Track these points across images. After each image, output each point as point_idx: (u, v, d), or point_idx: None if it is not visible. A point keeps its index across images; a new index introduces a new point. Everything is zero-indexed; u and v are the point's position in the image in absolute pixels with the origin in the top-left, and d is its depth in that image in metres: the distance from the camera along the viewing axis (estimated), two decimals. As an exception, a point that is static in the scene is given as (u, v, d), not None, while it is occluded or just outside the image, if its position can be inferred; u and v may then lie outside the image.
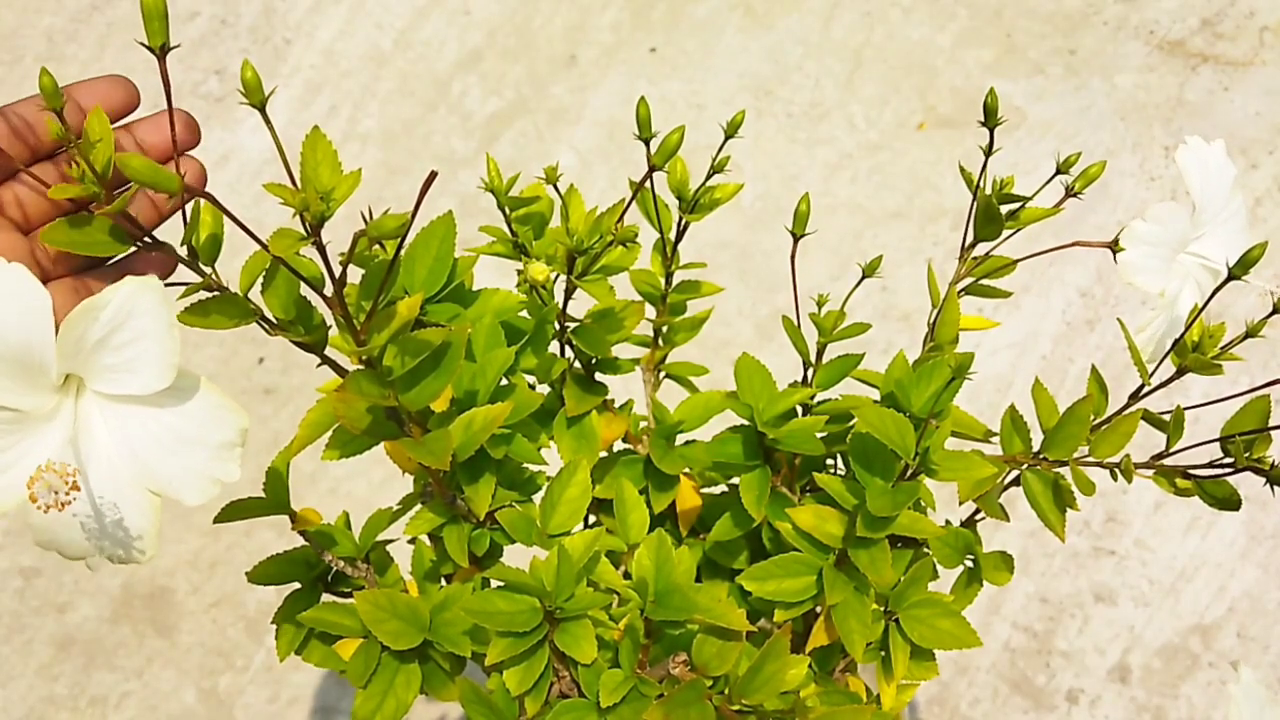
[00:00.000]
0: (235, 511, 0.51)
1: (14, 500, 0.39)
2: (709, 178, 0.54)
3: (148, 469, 0.40)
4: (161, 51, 0.39)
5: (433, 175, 0.35)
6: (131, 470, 0.40)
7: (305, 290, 0.43)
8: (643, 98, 0.52)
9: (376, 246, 0.48)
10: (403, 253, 0.46)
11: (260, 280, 0.42)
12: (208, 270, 0.42)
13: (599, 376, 0.58)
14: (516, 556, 0.54)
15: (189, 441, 0.40)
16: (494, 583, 0.51)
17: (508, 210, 0.57)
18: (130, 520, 0.40)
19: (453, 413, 0.48)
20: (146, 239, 0.41)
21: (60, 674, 1.06)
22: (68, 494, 0.38)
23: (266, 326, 0.43)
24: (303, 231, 0.35)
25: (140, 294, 0.37)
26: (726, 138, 0.53)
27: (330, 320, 0.45)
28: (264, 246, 0.37)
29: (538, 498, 0.52)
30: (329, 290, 0.39)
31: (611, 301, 0.53)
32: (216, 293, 0.42)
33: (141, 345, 0.38)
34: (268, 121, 0.38)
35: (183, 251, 0.42)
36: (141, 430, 0.40)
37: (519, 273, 0.55)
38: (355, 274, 0.43)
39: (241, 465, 0.41)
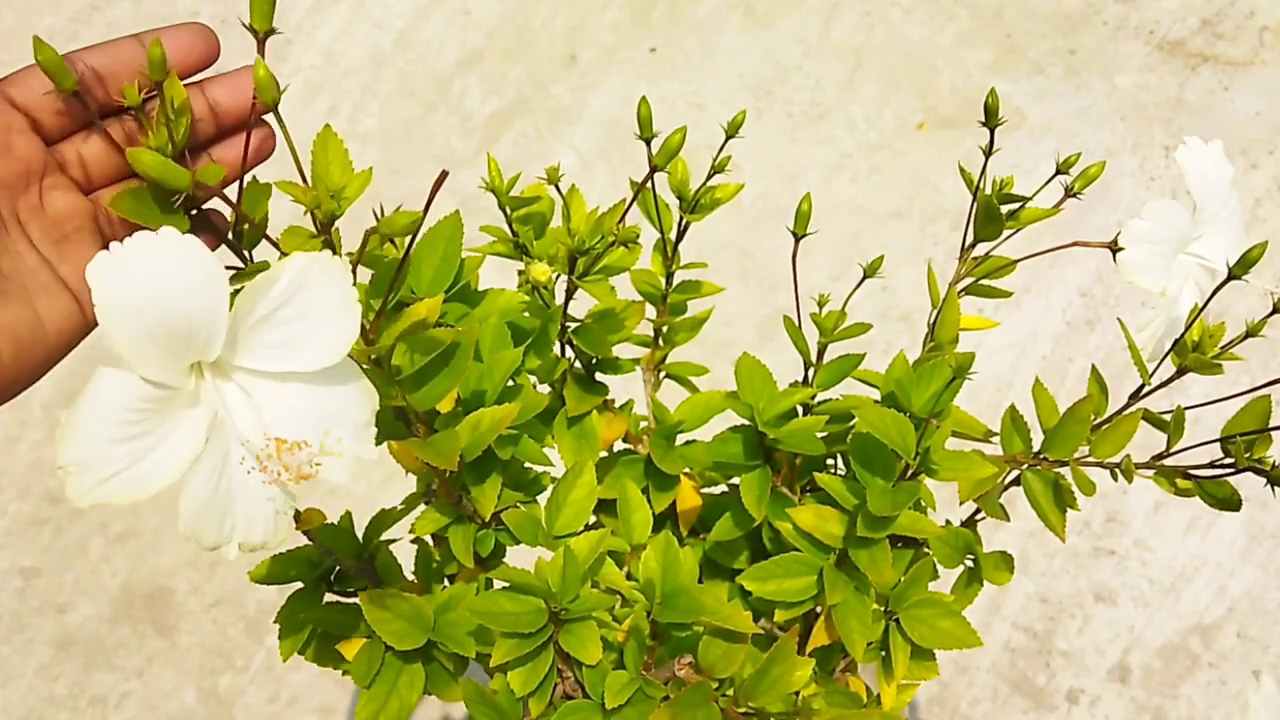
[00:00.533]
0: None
1: (160, 484, 0.37)
2: (710, 178, 0.54)
3: None
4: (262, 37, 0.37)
5: (443, 175, 0.35)
6: (271, 451, 0.38)
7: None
8: (644, 98, 0.52)
9: (387, 244, 0.48)
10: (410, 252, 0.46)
11: None
12: (248, 255, 0.42)
13: (599, 376, 0.58)
14: (517, 556, 0.54)
15: (333, 420, 0.38)
16: (497, 583, 0.51)
17: (508, 210, 0.57)
18: (268, 505, 0.39)
19: (459, 413, 0.48)
20: (206, 211, 0.40)
21: (60, 674, 1.06)
22: (312, 467, 0.37)
23: None
24: (313, 230, 0.35)
25: (314, 267, 0.35)
26: (727, 138, 0.53)
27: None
28: (274, 244, 0.37)
29: (542, 498, 0.52)
30: None
31: (613, 302, 0.53)
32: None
33: (311, 320, 0.36)
34: (279, 119, 0.37)
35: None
36: (288, 409, 0.38)
37: (520, 273, 0.55)
38: (363, 273, 0.43)
39: None
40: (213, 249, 0.42)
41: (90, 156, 0.41)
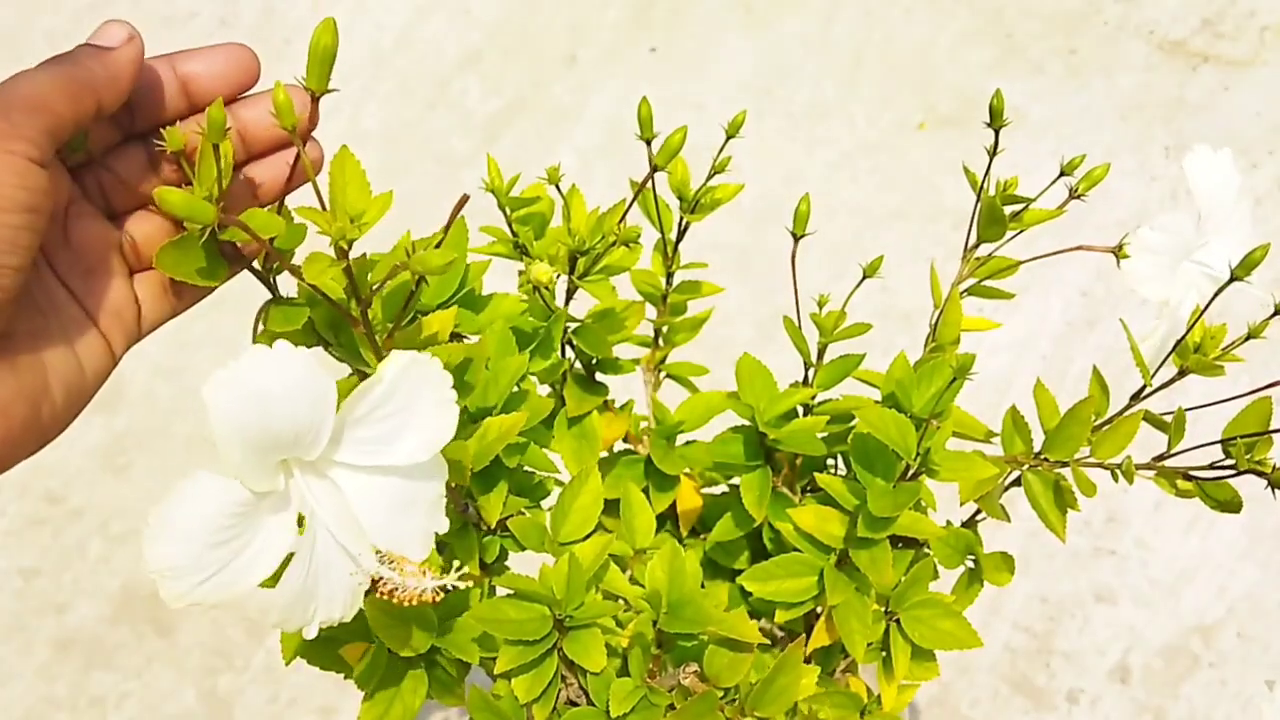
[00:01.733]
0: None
1: (253, 581, 0.37)
2: (710, 178, 0.54)
3: (377, 532, 0.38)
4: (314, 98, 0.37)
5: (464, 199, 0.35)
6: (356, 537, 0.38)
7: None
8: (644, 98, 0.52)
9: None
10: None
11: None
12: (273, 281, 0.42)
13: (599, 377, 0.58)
14: (520, 562, 0.54)
15: (412, 503, 0.39)
16: (501, 590, 0.51)
17: (508, 211, 0.56)
18: (345, 586, 0.39)
19: (465, 421, 0.47)
20: (247, 267, 0.40)
21: (60, 674, 1.06)
22: (436, 591, 0.38)
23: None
24: (332, 256, 0.35)
25: (415, 368, 0.36)
26: (728, 138, 0.53)
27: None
28: (295, 274, 0.37)
29: (546, 502, 0.52)
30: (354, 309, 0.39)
31: (613, 302, 0.53)
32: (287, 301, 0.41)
33: (407, 417, 0.37)
34: (297, 141, 0.36)
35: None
36: (376, 498, 0.38)
37: (520, 273, 0.55)
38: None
39: None
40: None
41: (110, 184, 0.40)
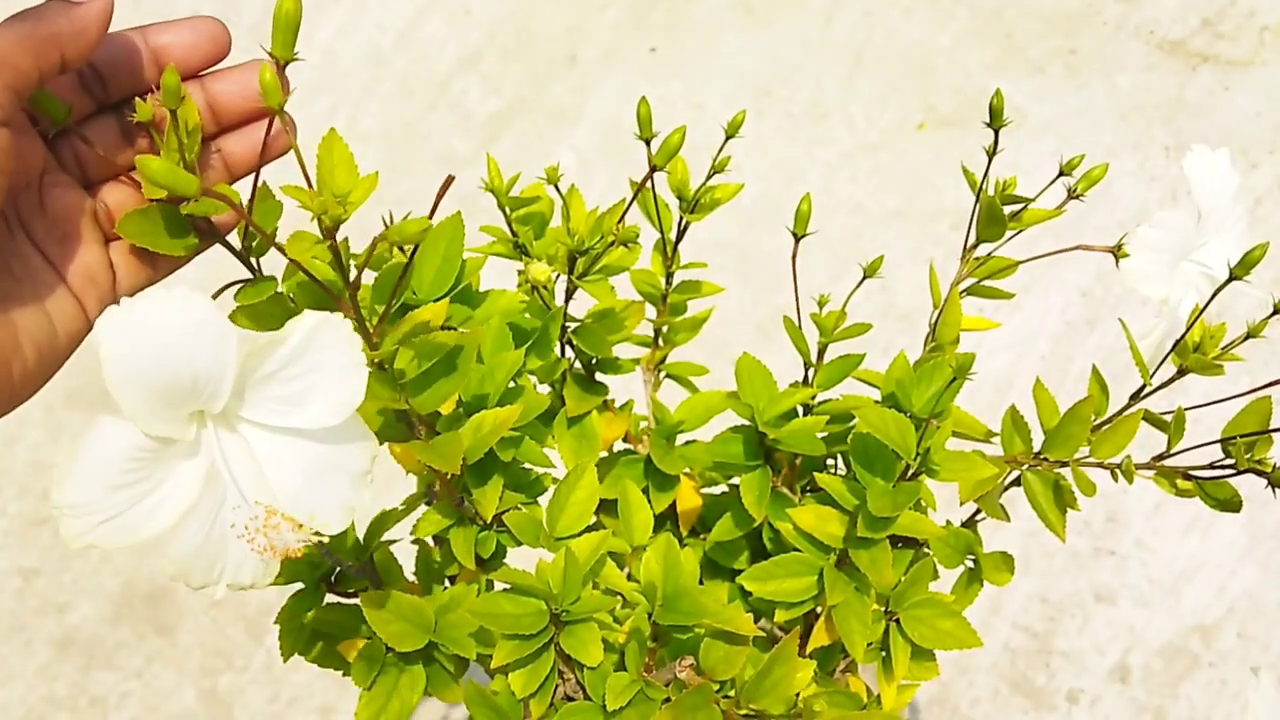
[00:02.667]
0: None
1: (154, 530, 0.37)
2: (709, 178, 0.54)
3: (292, 499, 0.38)
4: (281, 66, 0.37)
5: (449, 180, 0.34)
6: (269, 500, 0.38)
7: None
8: (643, 98, 0.52)
9: (396, 250, 0.48)
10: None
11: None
12: (256, 263, 0.41)
13: (599, 377, 0.58)
14: (517, 557, 0.54)
15: (331, 470, 0.39)
16: (498, 585, 0.51)
17: (508, 210, 0.57)
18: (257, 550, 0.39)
19: (460, 415, 0.47)
20: (214, 237, 0.40)
21: (60, 674, 1.06)
22: (298, 543, 0.37)
23: None
24: (318, 235, 0.35)
25: (325, 329, 0.36)
26: (727, 138, 0.53)
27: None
28: (281, 250, 0.37)
29: (543, 499, 0.52)
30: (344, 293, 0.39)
31: (612, 302, 0.53)
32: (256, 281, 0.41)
33: (316, 379, 0.36)
34: (284, 120, 0.36)
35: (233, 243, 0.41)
36: (288, 461, 0.38)
37: (520, 273, 0.55)
38: (367, 274, 0.43)
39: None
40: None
41: (86, 152, 0.40)
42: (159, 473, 0.37)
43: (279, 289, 0.42)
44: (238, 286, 0.41)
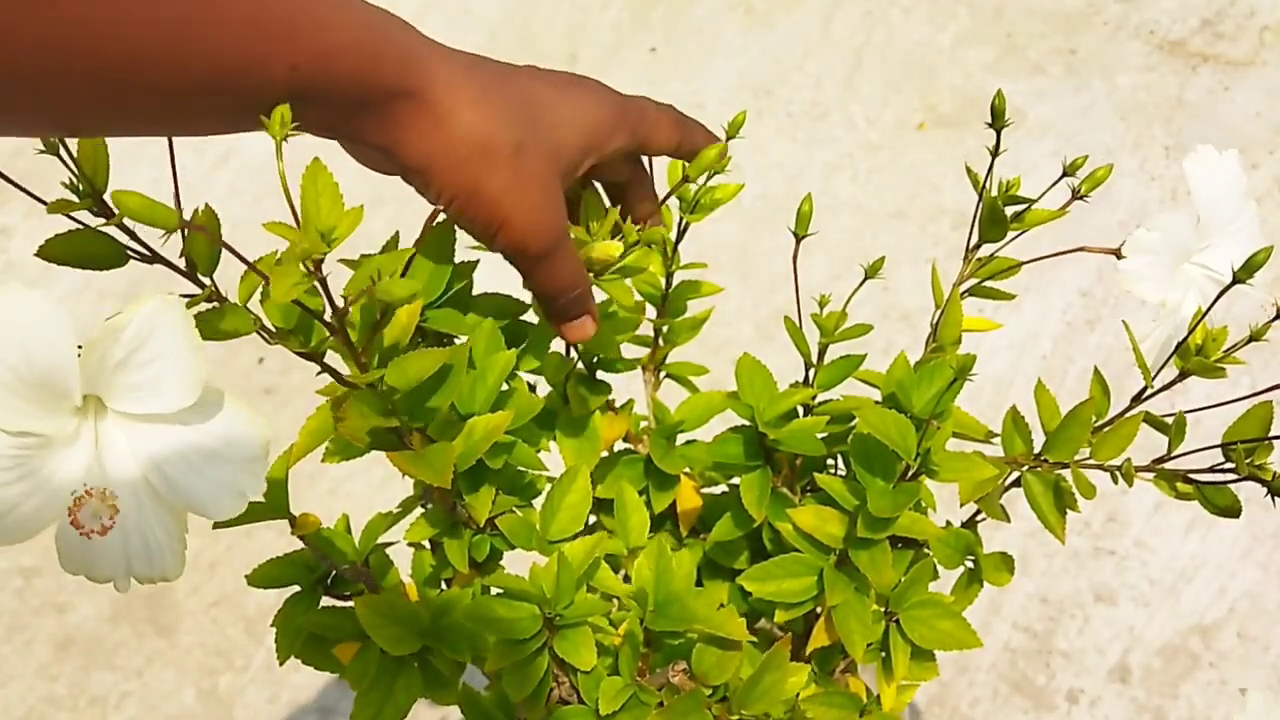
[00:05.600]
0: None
1: (41, 525, 0.38)
2: (709, 178, 0.54)
3: (174, 487, 0.39)
4: None
5: (435, 214, 0.34)
6: (157, 489, 0.39)
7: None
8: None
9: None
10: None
11: (259, 289, 0.42)
12: (206, 281, 0.41)
13: (600, 375, 0.58)
14: (517, 561, 0.54)
15: (215, 458, 0.39)
16: (493, 589, 0.51)
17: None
18: (157, 540, 0.40)
19: (453, 418, 0.47)
20: (145, 252, 0.41)
21: (60, 674, 1.06)
22: (110, 519, 0.37)
23: (266, 336, 0.43)
24: (304, 270, 0.35)
25: (161, 313, 0.36)
26: (728, 138, 0.53)
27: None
28: (264, 277, 0.37)
29: (537, 502, 0.52)
30: (330, 317, 0.39)
31: (629, 300, 0.53)
32: (216, 304, 0.41)
33: (164, 363, 0.37)
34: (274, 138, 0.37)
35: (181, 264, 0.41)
36: (166, 448, 0.39)
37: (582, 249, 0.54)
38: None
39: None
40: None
41: None
42: (46, 468, 0.37)
43: (234, 301, 0.42)
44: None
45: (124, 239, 0.42)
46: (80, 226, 0.41)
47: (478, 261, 0.53)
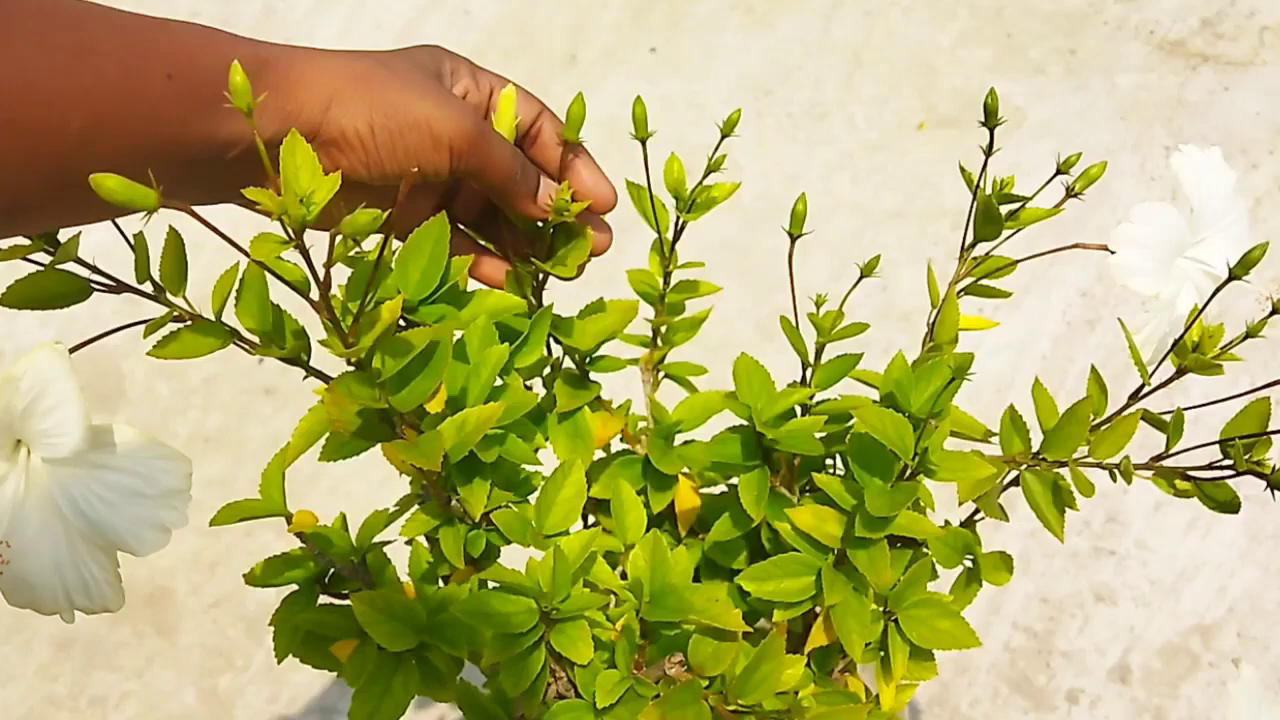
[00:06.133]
0: (231, 513, 0.51)
1: None
2: (705, 176, 0.54)
3: (94, 526, 0.40)
4: None
5: (412, 175, 0.35)
6: (81, 528, 0.40)
7: (280, 300, 0.43)
8: (639, 97, 0.52)
9: (367, 247, 0.48)
10: (396, 253, 0.45)
11: (233, 297, 0.42)
12: (179, 302, 0.42)
13: (593, 376, 0.58)
14: (514, 556, 0.54)
15: (132, 495, 0.40)
16: (490, 583, 0.51)
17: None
18: (92, 574, 0.41)
19: (448, 414, 0.47)
20: (109, 283, 0.41)
21: (60, 674, 1.06)
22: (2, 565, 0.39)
23: (246, 347, 0.43)
24: (284, 236, 0.35)
25: (49, 361, 0.37)
26: (723, 137, 0.53)
27: (309, 328, 0.44)
28: (244, 252, 0.37)
29: (534, 498, 0.52)
30: (314, 293, 0.39)
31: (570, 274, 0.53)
32: (188, 322, 0.42)
33: (63, 411, 0.38)
34: (249, 117, 0.37)
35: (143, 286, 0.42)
36: (85, 489, 0.40)
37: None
38: (346, 272, 0.42)
39: (190, 511, 0.41)
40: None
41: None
42: None
43: (207, 317, 0.42)
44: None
45: (85, 273, 0.42)
46: (40, 268, 0.41)
47: (471, 258, 0.53)
